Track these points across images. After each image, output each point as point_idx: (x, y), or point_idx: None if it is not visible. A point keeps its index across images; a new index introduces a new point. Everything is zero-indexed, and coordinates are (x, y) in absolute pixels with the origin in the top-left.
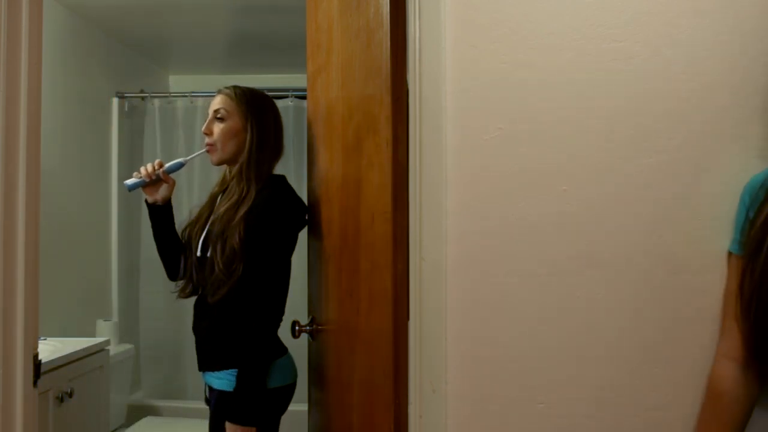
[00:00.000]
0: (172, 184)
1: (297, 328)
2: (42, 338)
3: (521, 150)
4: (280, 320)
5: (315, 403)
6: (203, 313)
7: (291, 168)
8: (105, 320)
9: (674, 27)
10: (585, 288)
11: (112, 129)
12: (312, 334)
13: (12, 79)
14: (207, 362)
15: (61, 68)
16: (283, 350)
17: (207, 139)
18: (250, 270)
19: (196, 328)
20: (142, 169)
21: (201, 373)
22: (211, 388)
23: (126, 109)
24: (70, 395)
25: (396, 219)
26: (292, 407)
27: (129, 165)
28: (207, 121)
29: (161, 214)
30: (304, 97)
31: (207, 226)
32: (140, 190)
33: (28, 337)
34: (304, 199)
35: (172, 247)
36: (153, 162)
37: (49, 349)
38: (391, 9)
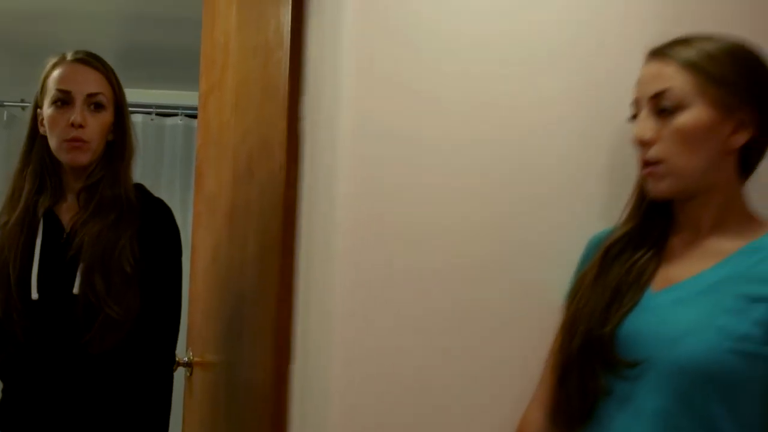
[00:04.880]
0: None
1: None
2: None
3: (414, 203)
4: None
5: None
6: (66, 375)
7: (177, 192)
8: None
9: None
10: (468, 339)
11: None
12: (189, 369)
13: None
14: None
15: None
16: None
17: (75, 133)
18: (153, 306)
19: (49, 399)
20: None
21: None
22: None
23: (5, 119)
24: None
25: (285, 256)
26: None
27: (9, 175)
28: (78, 107)
29: None
30: (194, 116)
31: (67, 253)
32: None
33: None
34: (188, 225)
35: None
36: None
37: None
38: (293, 26)
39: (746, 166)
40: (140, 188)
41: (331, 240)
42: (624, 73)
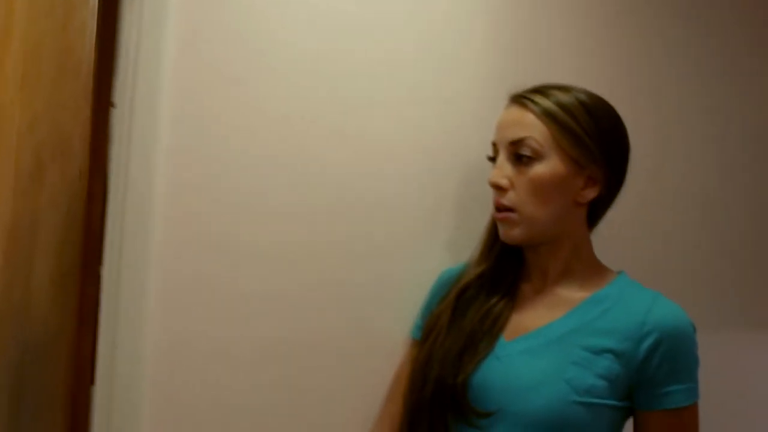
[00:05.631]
0: None
1: None
2: None
3: (240, 225)
4: None
5: None
6: None
7: None
8: None
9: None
10: (297, 373)
11: None
12: None
13: None
14: None
15: None
16: None
17: None
18: None
19: None
20: None
21: None
22: None
23: None
24: None
25: (85, 284)
26: None
27: None
28: None
29: None
30: None
31: None
32: None
33: None
34: None
35: None
36: None
37: None
38: None
39: (593, 216)
40: None
41: (143, 265)
42: (482, 107)
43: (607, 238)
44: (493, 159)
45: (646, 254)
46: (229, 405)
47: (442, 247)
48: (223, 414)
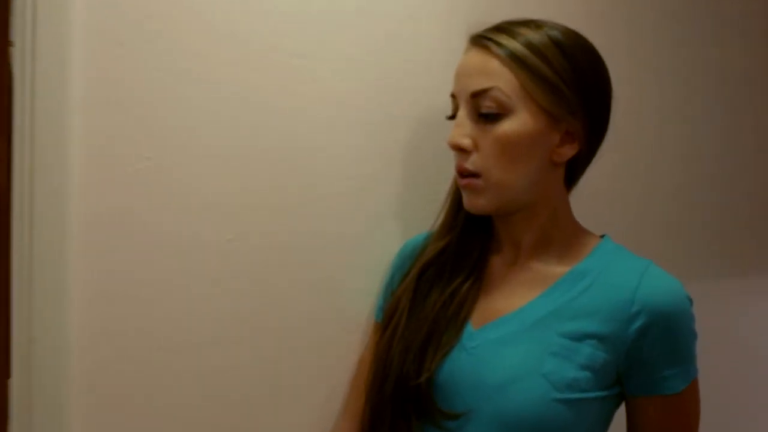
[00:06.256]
0: None
1: None
2: None
3: (174, 192)
4: None
5: None
6: None
7: None
8: None
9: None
10: (230, 358)
11: None
12: None
13: None
14: None
15: None
16: None
17: None
18: None
19: None
20: None
21: None
22: None
23: None
24: None
25: None
26: None
27: None
28: None
29: None
30: None
31: None
32: None
33: None
34: None
35: None
36: None
37: None
38: None
39: (571, 175)
40: None
41: (62, 241)
42: (445, 45)
43: (587, 196)
44: (453, 116)
45: (628, 208)
46: (168, 397)
47: (399, 209)
48: (162, 407)
